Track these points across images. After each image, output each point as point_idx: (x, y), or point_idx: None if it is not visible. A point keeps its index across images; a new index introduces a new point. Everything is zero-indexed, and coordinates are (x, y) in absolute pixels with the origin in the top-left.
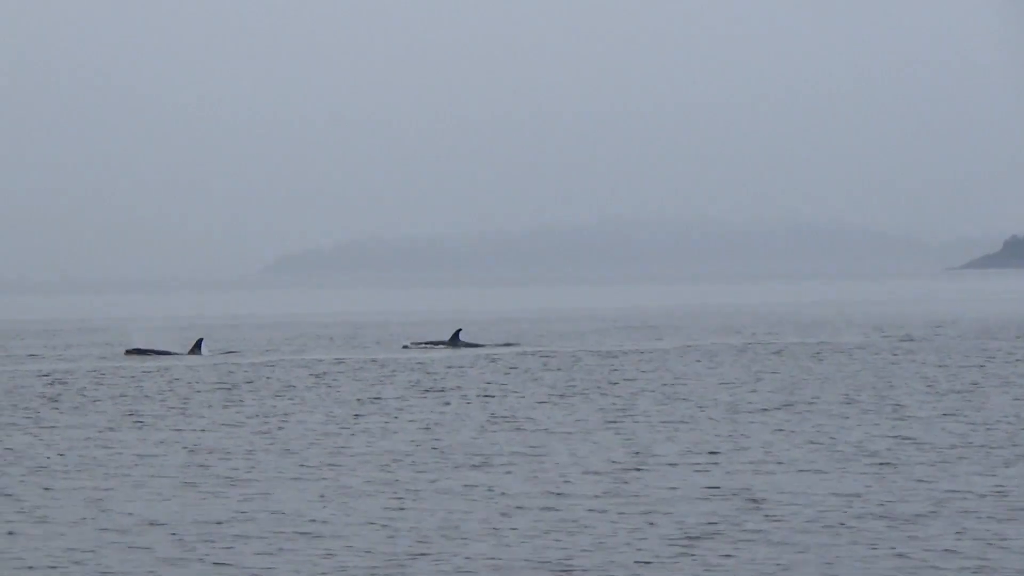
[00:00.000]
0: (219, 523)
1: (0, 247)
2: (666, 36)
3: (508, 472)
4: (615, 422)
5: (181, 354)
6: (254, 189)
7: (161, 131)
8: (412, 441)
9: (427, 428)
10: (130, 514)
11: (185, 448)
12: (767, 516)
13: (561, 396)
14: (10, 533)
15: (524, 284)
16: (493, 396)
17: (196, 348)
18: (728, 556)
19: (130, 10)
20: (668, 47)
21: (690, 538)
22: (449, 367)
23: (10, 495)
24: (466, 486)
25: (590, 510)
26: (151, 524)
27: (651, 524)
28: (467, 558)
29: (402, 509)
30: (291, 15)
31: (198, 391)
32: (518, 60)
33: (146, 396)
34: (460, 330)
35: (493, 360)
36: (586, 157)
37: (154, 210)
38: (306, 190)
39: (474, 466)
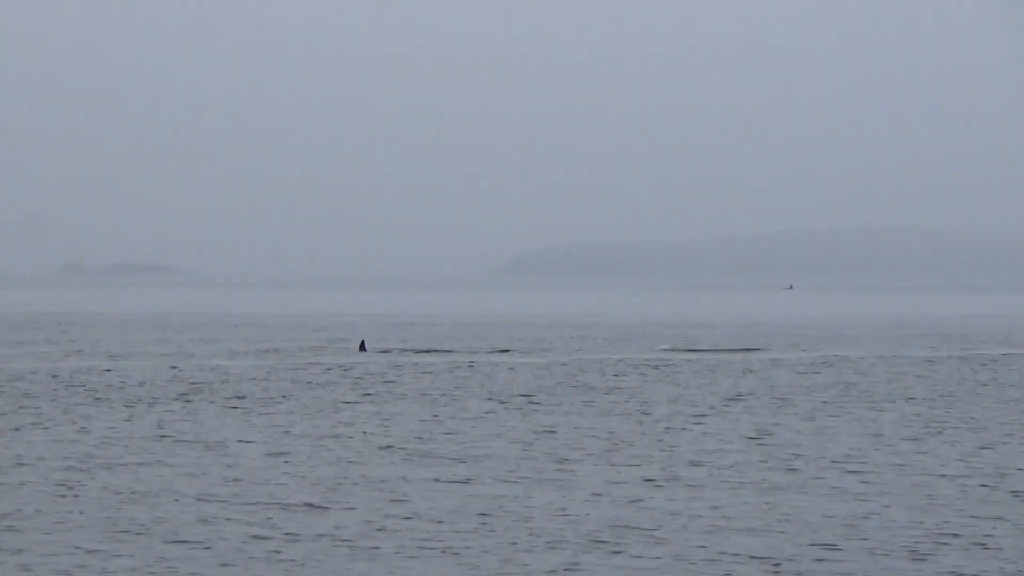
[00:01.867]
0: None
1: (267, 245)
2: None
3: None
4: None
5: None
6: (495, 185)
7: (403, 130)
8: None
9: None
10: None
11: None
12: None
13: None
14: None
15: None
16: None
17: (361, 347)
18: None
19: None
20: None
21: None
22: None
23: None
24: None
25: None
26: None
27: None
28: None
29: None
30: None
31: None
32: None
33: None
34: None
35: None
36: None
37: (397, 208)
38: (550, 185)
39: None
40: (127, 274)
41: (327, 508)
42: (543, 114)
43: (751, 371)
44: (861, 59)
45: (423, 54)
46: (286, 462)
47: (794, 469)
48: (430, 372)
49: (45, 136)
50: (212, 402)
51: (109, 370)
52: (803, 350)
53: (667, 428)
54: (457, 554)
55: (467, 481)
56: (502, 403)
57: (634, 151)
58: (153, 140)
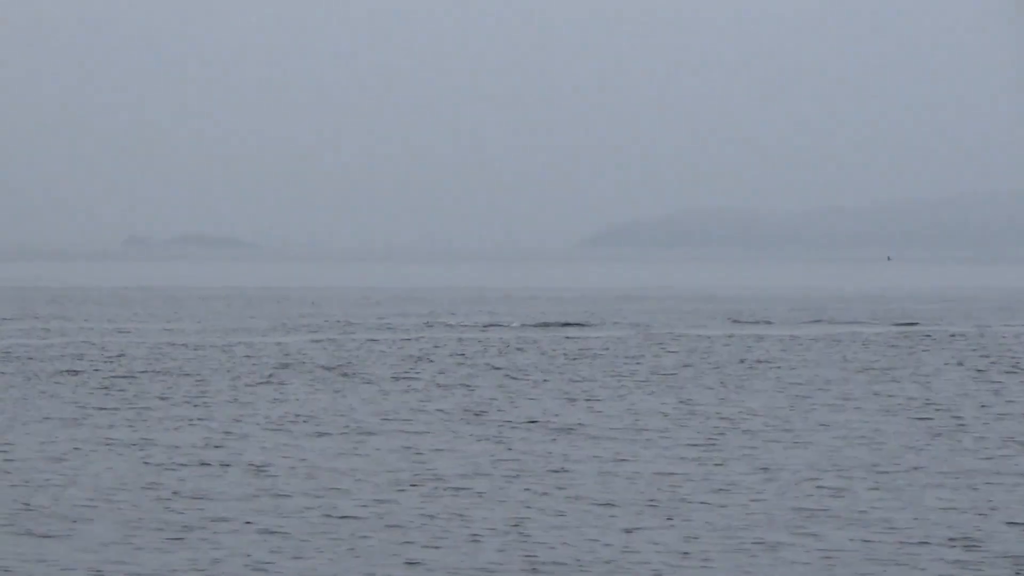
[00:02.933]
0: None
1: (331, 218)
2: None
3: None
4: None
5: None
6: (579, 156)
7: (495, 94)
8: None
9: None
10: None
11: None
12: None
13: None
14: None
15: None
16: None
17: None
18: None
19: None
20: None
21: None
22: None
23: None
24: None
25: None
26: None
27: None
28: None
29: None
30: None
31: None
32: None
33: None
34: None
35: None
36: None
37: (490, 178)
38: (631, 158)
39: None
40: (195, 246)
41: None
42: (625, 79)
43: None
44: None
45: (504, 23)
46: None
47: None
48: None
49: (104, 109)
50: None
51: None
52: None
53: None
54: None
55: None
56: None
57: (728, 118)
58: (211, 110)
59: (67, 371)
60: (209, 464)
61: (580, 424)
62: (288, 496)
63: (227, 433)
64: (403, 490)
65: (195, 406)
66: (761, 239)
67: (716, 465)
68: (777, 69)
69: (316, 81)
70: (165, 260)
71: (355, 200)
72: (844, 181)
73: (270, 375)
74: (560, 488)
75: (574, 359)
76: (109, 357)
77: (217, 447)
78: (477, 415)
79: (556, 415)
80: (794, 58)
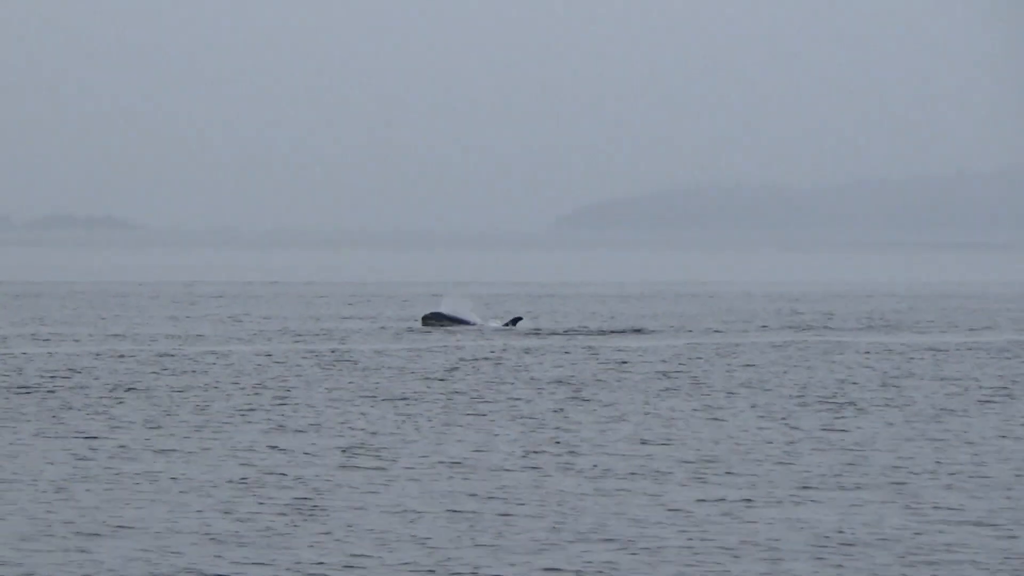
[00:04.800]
0: None
1: (250, 199)
2: None
3: None
4: None
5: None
6: (549, 134)
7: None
8: None
9: None
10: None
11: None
12: None
13: None
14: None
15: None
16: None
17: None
18: None
19: None
20: None
21: None
22: None
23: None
24: None
25: None
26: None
27: None
28: None
29: None
30: None
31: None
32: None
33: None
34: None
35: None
36: None
37: (433, 157)
38: (614, 129)
39: None
40: (71, 228)
41: None
42: (607, 41)
43: None
44: None
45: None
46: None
47: None
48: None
49: None
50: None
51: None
52: None
53: None
54: None
55: None
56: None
57: (742, 81)
58: (90, 76)
59: None
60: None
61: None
62: None
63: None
64: None
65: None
66: (774, 218)
67: None
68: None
69: (244, 52)
70: (28, 245)
71: (296, 183)
72: (880, 150)
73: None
74: None
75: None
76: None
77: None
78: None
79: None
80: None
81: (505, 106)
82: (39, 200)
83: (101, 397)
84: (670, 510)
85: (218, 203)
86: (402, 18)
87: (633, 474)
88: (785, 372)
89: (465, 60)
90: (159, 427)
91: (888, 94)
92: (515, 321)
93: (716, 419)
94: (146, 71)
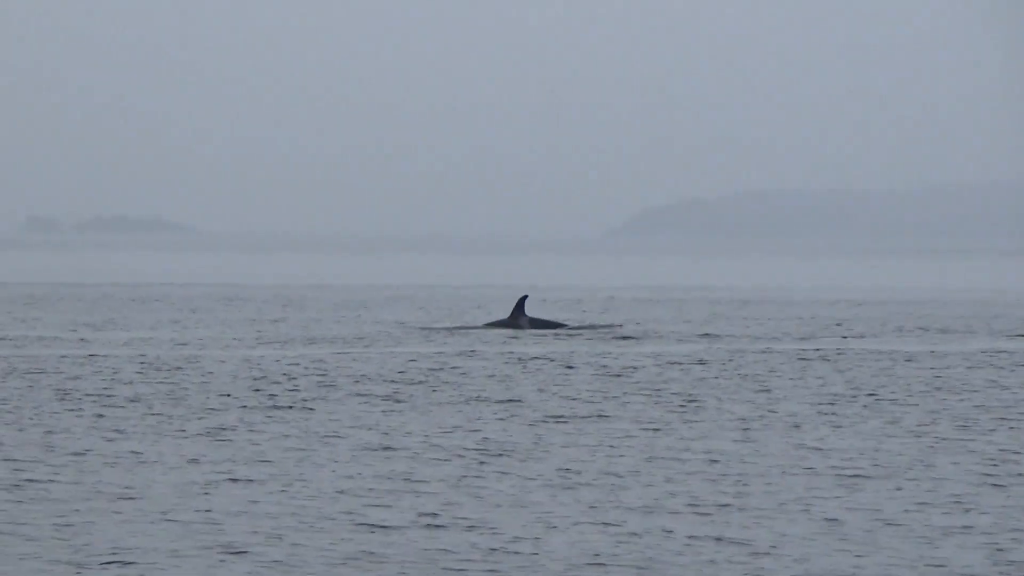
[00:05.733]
0: None
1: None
2: None
3: None
4: None
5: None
6: (601, 137)
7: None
8: None
9: None
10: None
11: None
12: None
13: None
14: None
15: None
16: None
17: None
18: None
19: None
20: None
21: None
22: None
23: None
24: None
25: None
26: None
27: None
28: None
29: None
30: None
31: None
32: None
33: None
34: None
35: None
36: None
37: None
38: (671, 133)
39: None
40: (118, 230)
41: None
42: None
43: None
44: None
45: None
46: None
47: None
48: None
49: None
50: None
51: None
52: None
53: None
54: None
55: None
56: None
57: (807, 81)
58: (130, 78)
59: None
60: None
61: None
62: None
63: None
64: None
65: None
66: (842, 223)
67: None
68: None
69: (298, 66)
70: (77, 248)
71: (349, 190)
72: (956, 154)
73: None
74: None
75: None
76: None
77: None
78: None
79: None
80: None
81: (549, 108)
82: (88, 202)
83: (253, 406)
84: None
85: (268, 207)
86: (448, 19)
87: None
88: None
89: (513, 62)
90: (334, 435)
91: (963, 95)
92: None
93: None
94: (191, 76)
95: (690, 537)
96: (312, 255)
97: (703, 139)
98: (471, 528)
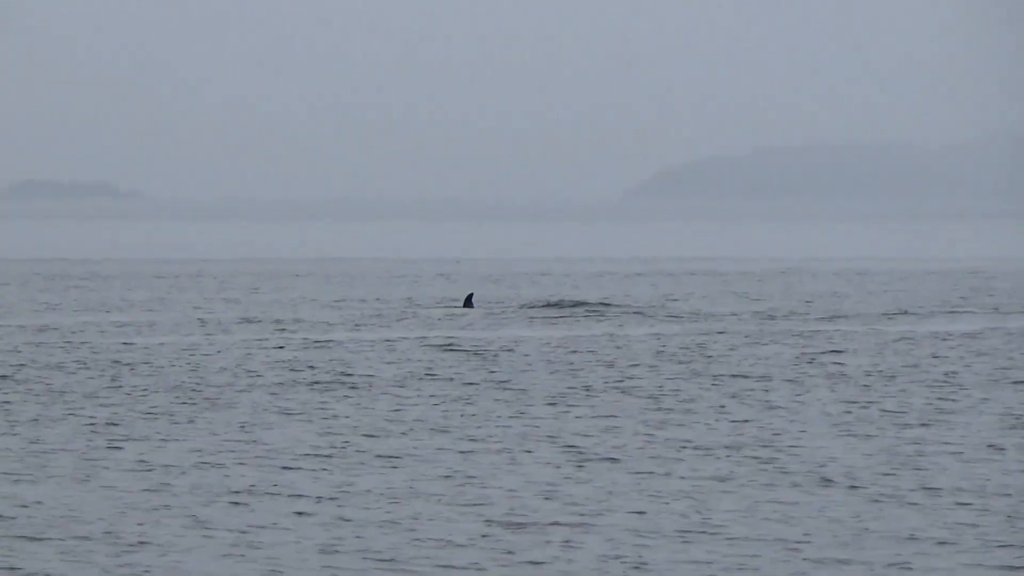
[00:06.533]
0: None
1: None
2: None
3: None
4: None
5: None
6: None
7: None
8: None
9: None
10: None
11: None
12: None
13: None
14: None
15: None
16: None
17: (468, 302)
18: None
19: None
20: None
21: None
22: None
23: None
24: None
25: None
26: None
27: None
28: None
29: None
30: None
31: None
32: None
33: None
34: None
35: None
36: None
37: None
38: (692, 87)
39: None
40: (51, 195)
41: None
42: None
43: None
44: None
45: None
46: None
47: None
48: None
49: None
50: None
51: None
52: None
53: None
54: None
55: None
56: None
57: (854, 27)
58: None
59: None
60: None
61: None
62: None
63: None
64: None
65: None
66: (895, 182)
67: None
68: None
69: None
70: (4, 218)
71: (320, 150)
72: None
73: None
74: None
75: None
76: None
77: None
78: None
79: None
80: None
81: (560, 62)
82: (9, 165)
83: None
84: None
85: (223, 171)
86: None
87: None
88: None
89: (525, 21)
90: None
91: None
92: (469, 299)
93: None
94: (144, 16)
95: None
96: (322, 223)
97: (726, 92)
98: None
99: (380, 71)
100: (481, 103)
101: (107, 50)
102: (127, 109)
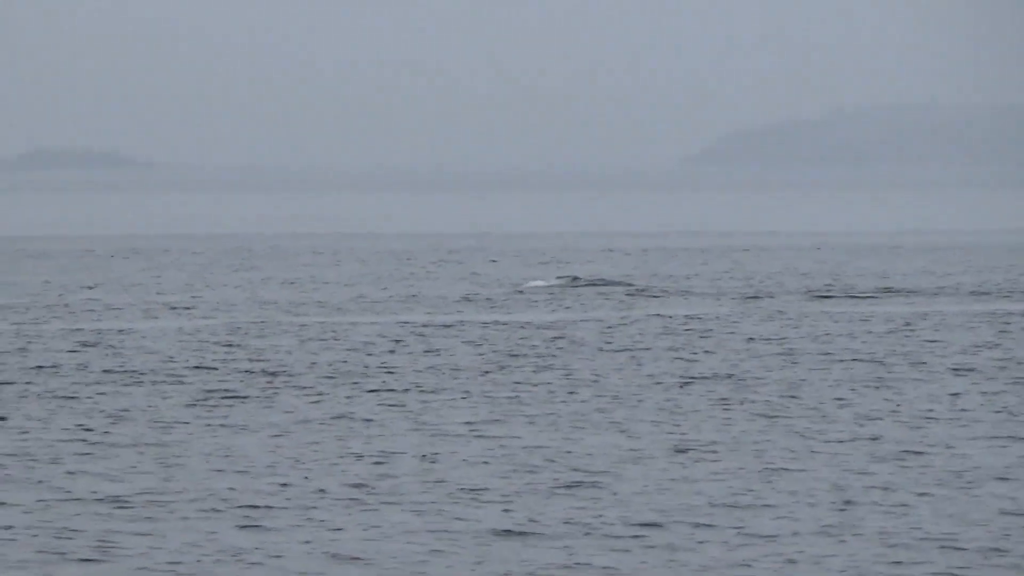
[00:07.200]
0: None
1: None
2: None
3: None
4: None
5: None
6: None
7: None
8: None
9: None
10: None
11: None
12: None
13: None
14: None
15: None
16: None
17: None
18: None
19: None
20: None
21: None
22: None
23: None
24: None
25: None
26: None
27: None
28: None
29: None
30: None
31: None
32: None
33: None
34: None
35: None
36: None
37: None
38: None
39: None
40: (57, 164)
41: None
42: None
43: None
44: None
45: None
46: None
47: None
48: None
49: None
50: None
51: None
52: None
53: None
54: None
55: None
56: None
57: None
58: None
59: None
60: None
61: None
62: None
63: None
64: None
65: None
66: (941, 145)
67: None
68: None
69: None
70: (12, 190)
71: (363, 120)
72: None
73: None
74: None
75: None
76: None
77: None
78: None
79: None
80: None
81: (616, 16)
82: (18, 133)
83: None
84: None
85: (238, 138)
86: None
87: None
88: None
89: None
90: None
91: None
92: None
93: None
94: None
95: None
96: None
97: (796, 51)
98: None
99: (419, 31)
100: (523, 65)
101: (115, 10)
102: (139, 76)
